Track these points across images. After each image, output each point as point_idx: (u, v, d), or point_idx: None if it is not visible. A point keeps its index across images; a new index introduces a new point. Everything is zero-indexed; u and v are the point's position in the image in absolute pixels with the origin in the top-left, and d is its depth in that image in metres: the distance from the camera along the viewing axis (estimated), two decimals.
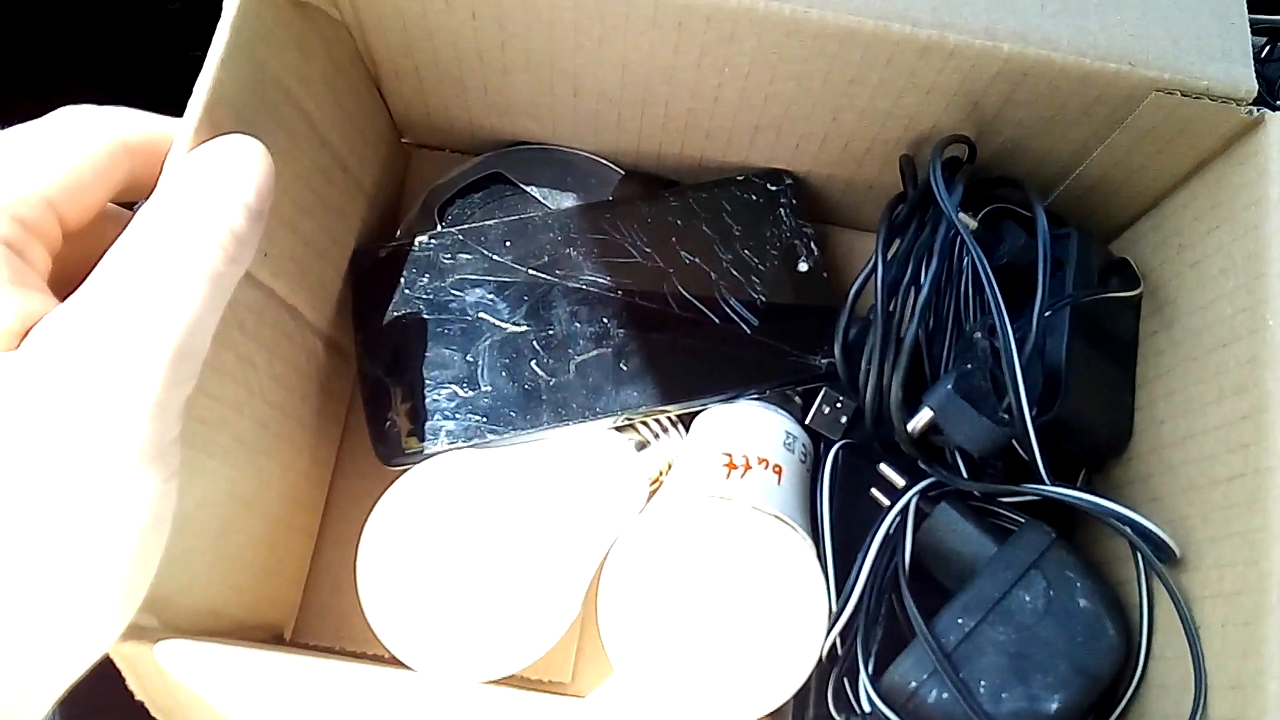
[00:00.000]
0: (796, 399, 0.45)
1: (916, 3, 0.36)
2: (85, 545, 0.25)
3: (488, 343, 0.43)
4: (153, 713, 0.35)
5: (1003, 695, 0.36)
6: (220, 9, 0.32)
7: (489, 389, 0.42)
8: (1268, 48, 0.58)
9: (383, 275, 0.44)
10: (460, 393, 0.42)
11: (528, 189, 0.49)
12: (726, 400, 0.44)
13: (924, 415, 0.38)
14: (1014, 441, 0.38)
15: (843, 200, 0.49)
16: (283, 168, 0.31)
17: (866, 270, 0.40)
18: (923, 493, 0.40)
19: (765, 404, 0.43)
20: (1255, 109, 0.37)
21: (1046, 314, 0.38)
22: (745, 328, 0.44)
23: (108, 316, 0.25)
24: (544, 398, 0.42)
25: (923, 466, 0.40)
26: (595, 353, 0.43)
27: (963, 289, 0.40)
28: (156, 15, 0.60)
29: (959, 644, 0.36)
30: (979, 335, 0.38)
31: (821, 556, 0.40)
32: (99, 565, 0.25)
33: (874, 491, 0.42)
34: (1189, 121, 0.38)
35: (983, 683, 0.36)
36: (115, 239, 0.26)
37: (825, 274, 0.46)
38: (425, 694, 0.35)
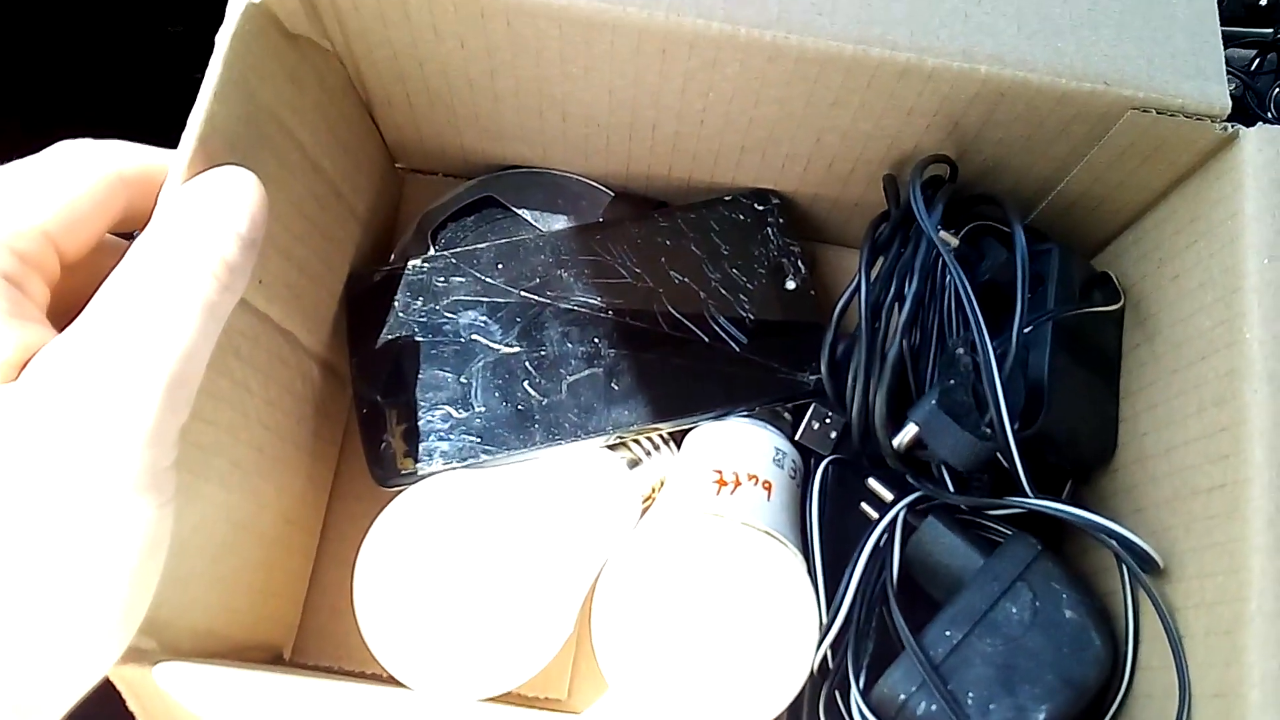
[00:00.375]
0: (786, 415, 0.45)
1: (894, 27, 0.36)
2: (83, 571, 0.25)
3: (481, 364, 0.44)
4: None
5: (990, 706, 0.36)
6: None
7: (482, 409, 0.43)
8: (1257, 60, 0.59)
9: (377, 299, 0.45)
10: (454, 414, 0.43)
11: (519, 212, 0.49)
12: (716, 418, 0.44)
13: (909, 430, 0.38)
14: (999, 455, 0.38)
15: (829, 218, 0.50)
16: (277, 196, 0.32)
17: (851, 288, 0.40)
18: (910, 506, 0.41)
19: (754, 421, 0.44)
20: (1229, 125, 0.37)
21: (1027, 329, 0.39)
22: (734, 346, 0.45)
23: (103, 347, 0.26)
24: (536, 417, 0.43)
25: (910, 480, 0.41)
26: (587, 372, 0.44)
27: (945, 305, 0.40)
28: (157, 39, 0.61)
29: (947, 656, 0.37)
30: (961, 351, 0.38)
31: (811, 571, 0.40)
32: (97, 590, 0.26)
33: (863, 505, 0.42)
34: (1165, 138, 0.38)
35: (971, 694, 0.36)
36: (112, 270, 0.27)
37: (813, 291, 0.47)
38: (423, 712, 0.36)
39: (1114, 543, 0.38)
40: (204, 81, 0.32)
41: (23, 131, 0.32)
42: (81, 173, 0.29)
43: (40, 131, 0.30)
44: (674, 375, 0.44)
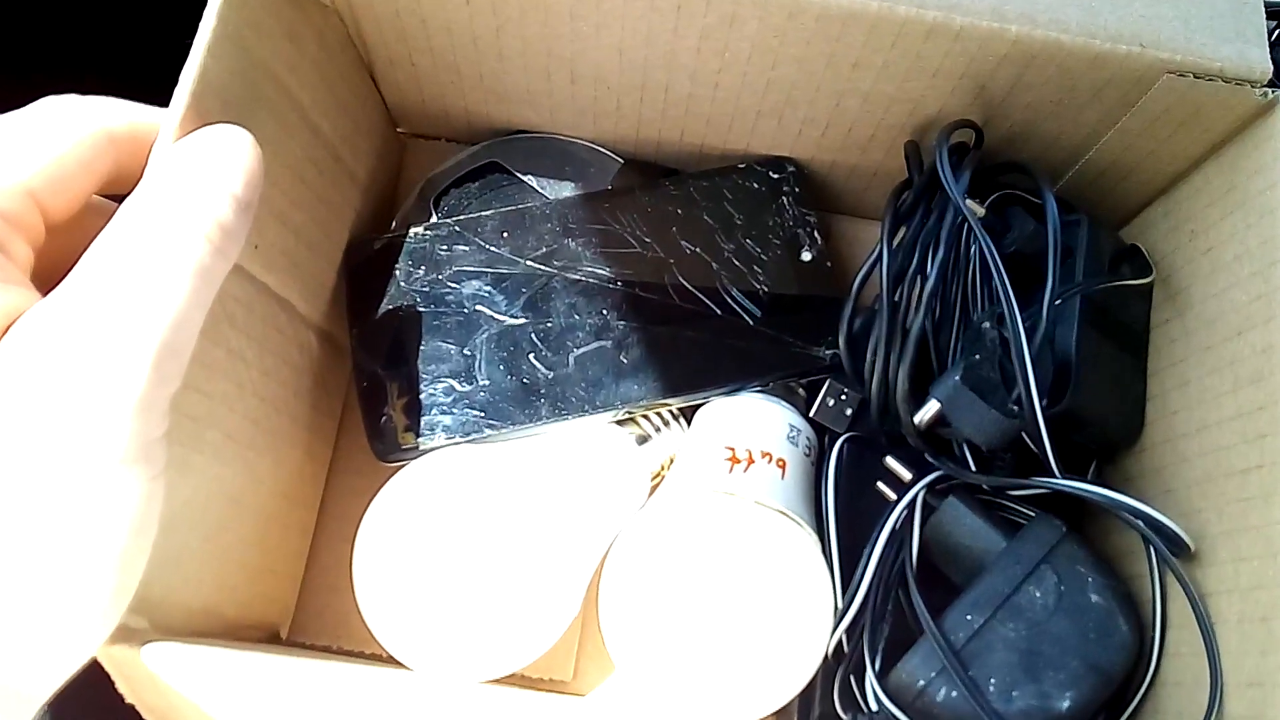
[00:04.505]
0: (800, 391, 0.44)
1: None
2: (69, 546, 0.24)
3: (485, 336, 0.42)
4: (144, 716, 0.35)
5: (1013, 693, 0.35)
6: None
7: (486, 383, 0.42)
8: (1278, 31, 0.57)
9: (377, 267, 0.43)
10: (457, 387, 0.41)
11: (525, 178, 0.48)
12: (729, 393, 0.43)
13: (931, 407, 0.37)
14: (1023, 433, 0.37)
15: (847, 188, 0.49)
16: (273, 158, 0.31)
17: (871, 259, 0.39)
18: (930, 486, 0.39)
19: (768, 396, 0.43)
20: (1269, 91, 0.36)
21: (1056, 303, 0.37)
22: (748, 319, 0.43)
23: (90, 312, 0.24)
24: (543, 391, 0.42)
25: (930, 459, 0.40)
26: (595, 345, 0.43)
27: (970, 278, 0.39)
28: (153, 1, 0.59)
29: (968, 641, 0.36)
30: (987, 325, 0.37)
31: (827, 552, 0.39)
32: (83, 566, 0.25)
33: (880, 485, 0.41)
34: (1201, 104, 0.37)
35: (992, 680, 0.35)
36: (100, 231, 0.25)
37: (829, 263, 0.45)
38: (424, 694, 0.35)
39: (1141, 524, 0.37)
40: (197, 36, 0.30)
41: (9, 92, 0.30)
42: (67, 130, 0.27)
43: (27, 93, 0.29)
44: (685, 349, 0.43)
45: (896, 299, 0.38)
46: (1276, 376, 0.33)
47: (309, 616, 0.45)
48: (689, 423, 0.44)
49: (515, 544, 0.38)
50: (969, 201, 0.38)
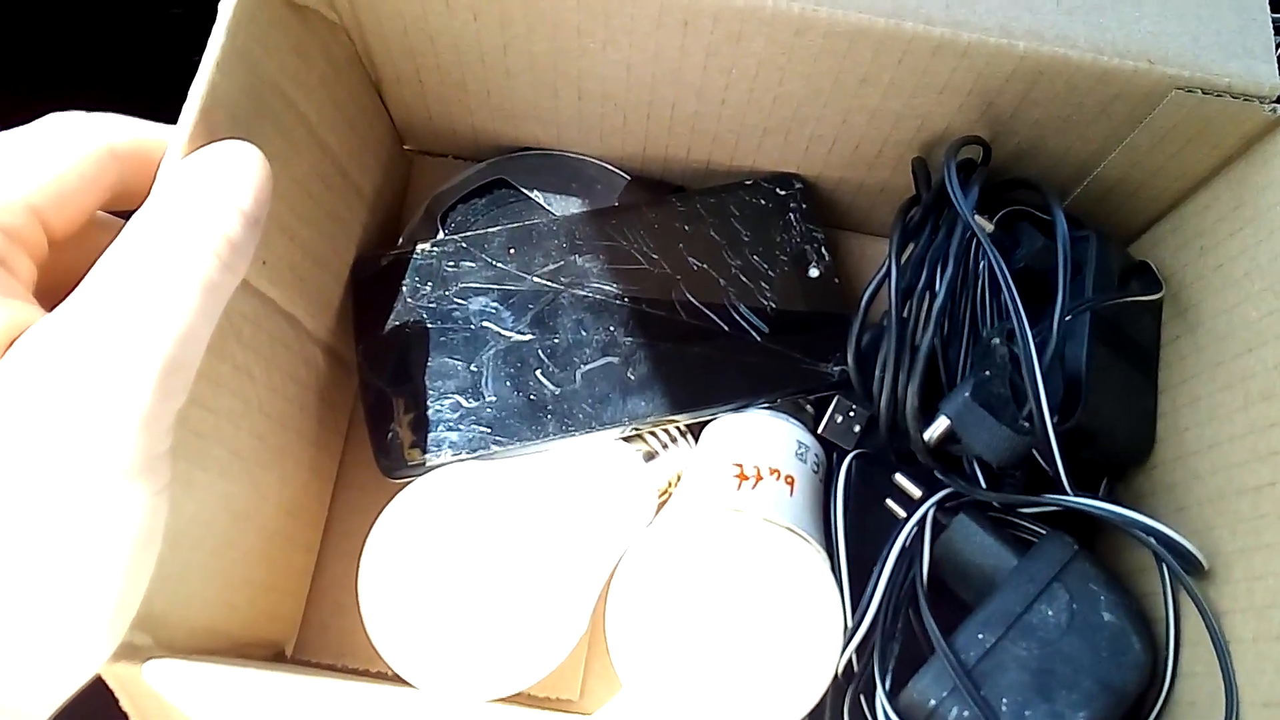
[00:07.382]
0: (808, 408, 0.44)
1: (929, 0, 0.35)
2: (73, 562, 0.24)
3: (492, 352, 0.42)
4: None
5: (1026, 713, 0.34)
6: None
7: (493, 399, 0.41)
8: None
9: (384, 283, 0.43)
10: (464, 403, 0.41)
11: (532, 195, 0.48)
12: (736, 409, 0.43)
13: (941, 424, 0.37)
14: (1034, 450, 0.37)
15: (854, 204, 0.48)
16: (281, 173, 0.31)
17: (880, 276, 0.39)
18: (940, 504, 0.39)
19: (776, 413, 0.42)
20: (1278, 106, 0.36)
21: (1066, 319, 0.37)
22: (755, 335, 0.43)
23: (96, 326, 0.24)
24: (549, 408, 0.41)
25: (940, 477, 0.39)
26: (602, 361, 0.42)
27: (979, 294, 0.39)
28: (159, 20, 0.60)
29: (979, 660, 0.35)
30: (997, 341, 0.37)
31: (836, 570, 0.39)
32: (87, 582, 0.24)
33: (889, 503, 0.41)
34: (1210, 120, 0.37)
35: (1005, 700, 0.35)
36: (106, 248, 0.25)
37: (836, 280, 0.45)
38: (429, 713, 0.34)
39: (1154, 541, 0.36)
40: (206, 52, 0.30)
41: (14, 108, 0.30)
42: (70, 145, 0.27)
43: (32, 110, 0.29)
44: (692, 365, 0.43)
45: (905, 315, 0.38)
46: None
47: (314, 634, 0.45)
48: (696, 439, 0.44)
49: (521, 561, 0.37)
50: (977, 217, 0.38)
